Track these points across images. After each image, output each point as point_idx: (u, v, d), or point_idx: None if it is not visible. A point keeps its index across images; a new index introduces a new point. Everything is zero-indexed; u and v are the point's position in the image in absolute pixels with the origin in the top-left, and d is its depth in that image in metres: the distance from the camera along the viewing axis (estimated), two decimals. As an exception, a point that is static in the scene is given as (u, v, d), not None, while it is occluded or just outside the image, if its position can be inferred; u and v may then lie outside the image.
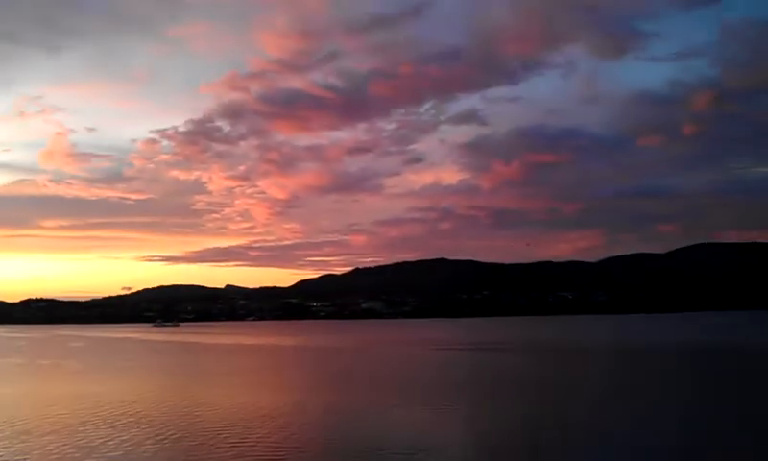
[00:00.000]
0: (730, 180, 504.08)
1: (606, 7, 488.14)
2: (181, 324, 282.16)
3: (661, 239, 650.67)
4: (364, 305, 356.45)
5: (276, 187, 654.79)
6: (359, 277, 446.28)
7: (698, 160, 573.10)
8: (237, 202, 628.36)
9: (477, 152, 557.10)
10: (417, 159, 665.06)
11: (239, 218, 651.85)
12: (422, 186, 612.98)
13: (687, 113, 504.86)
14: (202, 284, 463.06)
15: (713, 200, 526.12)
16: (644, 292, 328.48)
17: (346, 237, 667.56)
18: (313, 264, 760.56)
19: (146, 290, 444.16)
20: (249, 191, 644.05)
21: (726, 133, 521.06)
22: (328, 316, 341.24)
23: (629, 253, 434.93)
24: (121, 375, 57.67)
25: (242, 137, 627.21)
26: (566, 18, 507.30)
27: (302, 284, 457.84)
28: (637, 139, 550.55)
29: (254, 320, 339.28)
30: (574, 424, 28.49)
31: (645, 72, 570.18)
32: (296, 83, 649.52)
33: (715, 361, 62.46)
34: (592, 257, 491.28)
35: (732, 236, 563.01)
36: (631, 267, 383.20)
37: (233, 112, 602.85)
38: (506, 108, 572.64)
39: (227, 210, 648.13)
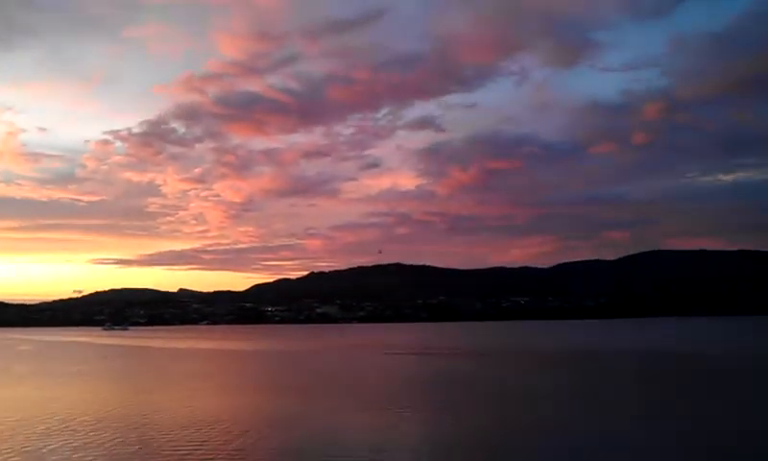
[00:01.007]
0: (679, 188, 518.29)
1: (560, 16, 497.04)
2: (131, 328, 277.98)
3: (612, 246, 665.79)
4: (319, 310, 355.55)
5: (231, 190, 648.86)
6: (315, 281, 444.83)
7: (648, 169, 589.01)
8: (192, 205, 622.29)
9: (434, 158, 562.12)
10: (374, 165, 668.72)
11: (193, 221, 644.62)
12: (379, 191, 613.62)
13: (638, 122, 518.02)
14: (154, 288, 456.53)
15: (663, 208, 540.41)
16: (595, 298, 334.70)
17: (301, 241, 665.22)
18: (268, 268, 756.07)
19: (97, 293, 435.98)
20: (204, 194, 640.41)
21: (676, 142, 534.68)
22: (283, 320, 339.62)
23: (581, 259, 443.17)
24: (70, 379, 56.55)
25: (198, 140, 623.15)
26: (521, 27, 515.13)
27: (257, 288, 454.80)
28: (589, 147, 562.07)
29: (208, 324, 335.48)
30: (528, 426, 28.93)
31: (598, 81, 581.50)
32: (253, 85, 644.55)
33: (664, 365, 64.16)
34: (545, 263, 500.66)
35: (681, 244, 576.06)
36: (582, 273, 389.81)
37: (189, 114, 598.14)
38: (462, 114, 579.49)
39: (181, 213, 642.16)
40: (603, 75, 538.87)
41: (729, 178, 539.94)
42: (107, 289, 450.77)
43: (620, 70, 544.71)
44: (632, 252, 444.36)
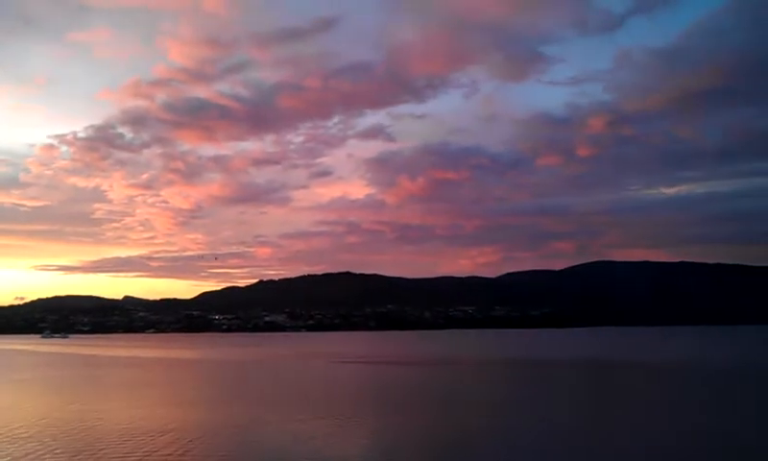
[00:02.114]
0: (623, 200, 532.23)
1: (509, 30, 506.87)
2: (72, 336, 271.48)
3: (558, 256, 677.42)
4: (267, 318, 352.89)
5: (179, 197, 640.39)
6: (263, 289, 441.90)
7: (593, 181, 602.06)
8: (138, 211, 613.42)
9: (384, 167, 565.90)
10: (324, 173, 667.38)
11: (140, 228, 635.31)
12: (329, 200, 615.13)
13: (583, 136, 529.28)
14: (99, 295, 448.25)
15: (607, 219, 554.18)
16: (541, 307, 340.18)
17: (250, 249, 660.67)
18: (216, 276, 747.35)
19: (40, 300, 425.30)
20: (151, 200, 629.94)
21: (620, 155, 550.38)
22: (231, 329, 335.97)
23: (527, 269, 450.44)
24: (9, 389, 55.38)
25: (145, 145, 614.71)
26: (471, 40, 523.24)
27: (205, 296, 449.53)
28: (536, 159, 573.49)
29: (154, 332, 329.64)
30: (471, 433, 29.45)
31: (544, 94, 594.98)
32: (202, 92, 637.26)
33: (605, 374, 66.08)
34: (492, 273, 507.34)
35: (624, 255, 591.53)
36: (528, 283, 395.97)
37: (136, 120, 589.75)
38: (412, 124, 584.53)
39: (127, 219, 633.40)
40: (550, 88, 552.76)
41: (671, 191, 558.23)
42: (50, 296, 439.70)
43: (566, 84, 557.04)
44: (576, 262, 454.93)
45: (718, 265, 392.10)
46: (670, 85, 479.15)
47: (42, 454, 25.23)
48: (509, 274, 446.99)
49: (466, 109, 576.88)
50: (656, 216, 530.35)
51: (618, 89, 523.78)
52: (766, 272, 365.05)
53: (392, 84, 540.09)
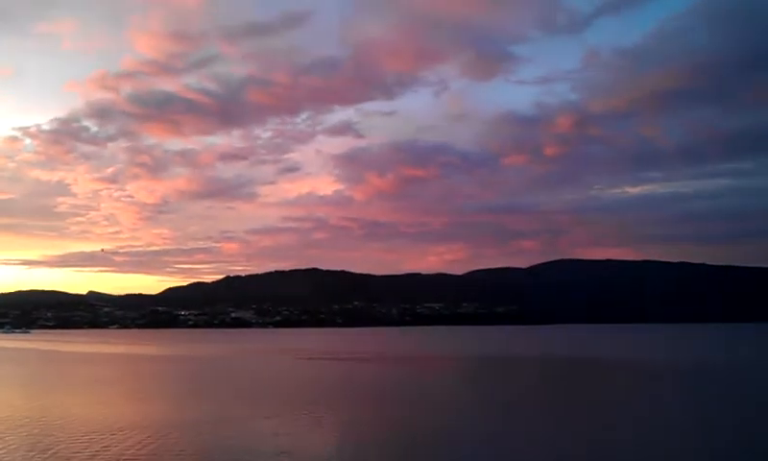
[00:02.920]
0: (588, 199, 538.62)
1: (478, 29, 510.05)
2: (34, 331, 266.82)
3: (524, 254, 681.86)
4: (234, 314, 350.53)
5: (145, 191, 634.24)
6: (230, 285, 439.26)
7: (559, 180, 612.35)
8: (103, 205, 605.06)
9: (352, 164, 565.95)
10: (292, 169, 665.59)
11: (105, 222, 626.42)
12: (297, 196, 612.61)
13: (550, 135, 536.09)
14: (63, 290, 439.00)
15: (573, 218, 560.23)
16: (507, 304, 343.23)
17: (217, 245, 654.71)
18: (182, 271, 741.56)
19: (2, 295, 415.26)
20: (116, 194, 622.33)
21: (586, 154, 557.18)
22: (197, 325, 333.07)
23: (493, 266, 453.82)
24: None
25: (111, 139, 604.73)
26: (441, 38, 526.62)
27: (170, 292, 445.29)
28: (503, 158, 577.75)
29: (118, 328, 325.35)
30: (436, 430, 29.93)
31: (512, 93, 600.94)
32: (169, 85, 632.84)
33: (573, 371, 67.13)
34: (459, 270, 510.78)
35: (589, 253, 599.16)
36: (495, 280, 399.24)
37: (102, 113, 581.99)
38: (381, 121, 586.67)
39: (92, 214, 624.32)
40: (518, 87, 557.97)
41: (635, 190, 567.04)
42: (12, 291, 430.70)
43: (534, 83, 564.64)
44: (542, 260, 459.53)
45: (682, 264, 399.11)
46: (636, 86, 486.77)
47: (1, 454, 24.96)
48: (476, 271, 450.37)
49: (434, 106, 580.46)
50: (620, 215, 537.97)
51: (585, 89, 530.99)
52: (728, 271, 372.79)
53: (361, 80, 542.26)
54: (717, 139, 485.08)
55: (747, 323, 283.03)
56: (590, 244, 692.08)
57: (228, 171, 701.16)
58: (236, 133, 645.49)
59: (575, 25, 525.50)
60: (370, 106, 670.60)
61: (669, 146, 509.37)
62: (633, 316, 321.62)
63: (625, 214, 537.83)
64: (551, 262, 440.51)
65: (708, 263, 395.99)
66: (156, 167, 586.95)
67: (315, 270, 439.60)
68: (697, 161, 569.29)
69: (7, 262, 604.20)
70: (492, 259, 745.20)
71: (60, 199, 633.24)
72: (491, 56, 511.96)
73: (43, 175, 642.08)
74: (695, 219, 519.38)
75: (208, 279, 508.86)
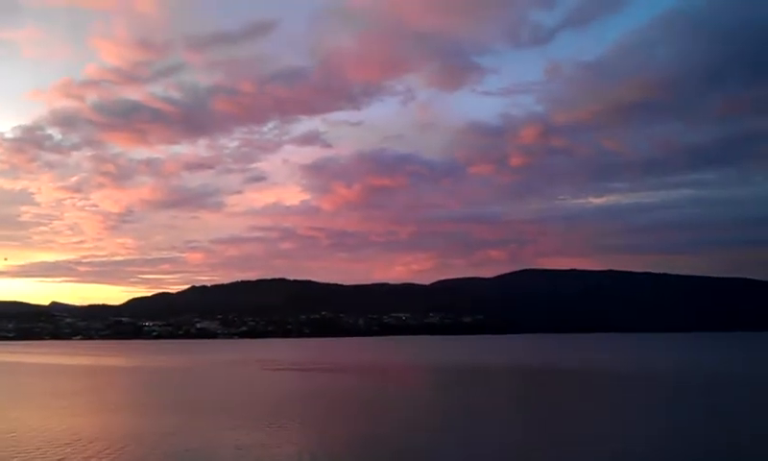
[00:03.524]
0: (553, 209, 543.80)
1: (445, 40, 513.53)
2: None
3: (490, 264, 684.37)
4: (199, 325, 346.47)
5: (109, 201, 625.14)
6: (195, 295, 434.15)
7: (525, 190, 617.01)
8: (67, 214, 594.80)
9: (319, 173, 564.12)
10: (259, 178, 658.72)
11: (68, 231, 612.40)
12: (264, 206, 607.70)
13: (516, 145, 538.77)
14: (25, 301, 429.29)
15: (538, 228, 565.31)
16: (474, 314, 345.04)
17: (182, 255, 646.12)
18: (146, 281, 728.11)
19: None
20: (80, 204, 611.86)
21: (550, 165, 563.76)
22: (161, 336, 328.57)
23: (460, 276, 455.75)
24: None
25: (75, 147, 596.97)
26: (407, 48, 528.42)
27: (135, 302, 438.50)
28: (469, 167, 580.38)
29: (81, 339, 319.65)
30: (401, 440, 30.25)
31: (478, 104, 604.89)
32: (134, 94, 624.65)
33: (535, 380, 67.97)
34: (426, 280, 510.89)
35: (553, 263, 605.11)
36: (461, 290, 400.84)
37: (66, 121, 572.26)
38: (348, 131, 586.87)
39: (55, 223, 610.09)
40: (483, 98, 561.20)
41: (599, 201, 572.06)
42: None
43: (500, 94, 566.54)
44: (508, 270, 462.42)
45: (646, 274, 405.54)
46: (598, 98, 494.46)
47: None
48: (442, 281, 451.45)
49: (401, 116, 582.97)
50: (585, 225, 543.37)
51: (549, 101, 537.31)
52: (691, 280, 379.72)
53: (328, 90, 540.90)
54: (677, 152, 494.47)
55: (710, 332, 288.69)
56: (555, 254, 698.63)
57: (194, 180, 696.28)
58: (202, 142, 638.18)
59: (539, 38, 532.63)
60: (337, 115, 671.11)
61: (632, 157, 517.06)
62: (597, 325, 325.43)
63: (589, 224, 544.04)
64: (517, 272, 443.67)
65: (670, 273, 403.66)
66: (120, 176, 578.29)
67: (282, 280, 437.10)
68: (660, 173, 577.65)
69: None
70: (459, 269, 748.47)
71: (24, 208, 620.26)
72: (457, 66, 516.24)
73: (6, 184, 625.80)
74: (658, 229, 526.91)
75: (173, 289, 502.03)
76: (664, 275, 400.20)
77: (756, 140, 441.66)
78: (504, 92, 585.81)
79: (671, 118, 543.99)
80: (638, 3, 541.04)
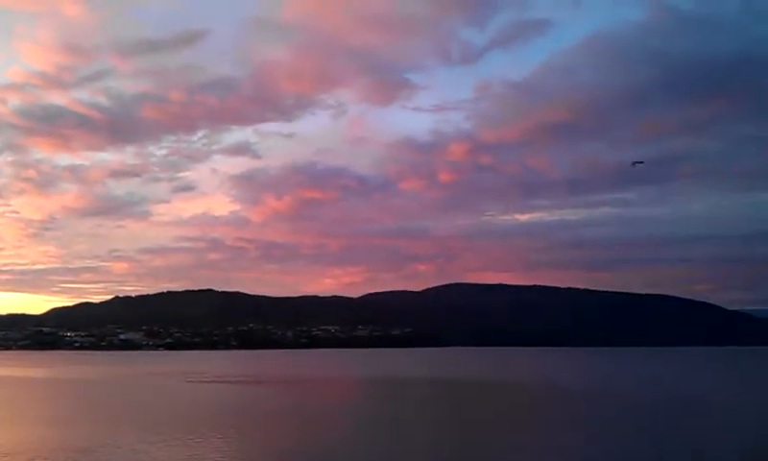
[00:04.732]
0: (481, 225, 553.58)
1: (376, 56, 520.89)
2: None
3: (418, 278, 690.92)
4: (123, 336, 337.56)
5: (31, 207, 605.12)
6: (119, 306, 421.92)
7: (453, 206, 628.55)
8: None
9: (249, 184, 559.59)
10: (187, 188, 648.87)
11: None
12: (192, 215, 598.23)
13: (445, 161, 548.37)
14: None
15: (466, 243, 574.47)
16: (402, 327, 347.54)
17: (106, 264, 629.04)
18: (68, 291, 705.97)
19: None
20: (0, 210, 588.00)
21: (478, 181, 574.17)
22: (83, 347, 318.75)
23: (389, 289, 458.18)
24: None
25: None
26: (340, 62, 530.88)
27: (56, 312, 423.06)
28: (400, 182, 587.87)
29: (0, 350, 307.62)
30: (324, 452, 30.96)
31: (409, 120, 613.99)
32: (59, 99, 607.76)
33: (456, 391, 69.59)
34: (355, 293, 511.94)
35: (481, 277, 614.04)
36: (390, 303, 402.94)
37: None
38: (279, 143, 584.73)
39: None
40: (414, 114, 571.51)
41: (524, 217, 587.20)
42: None
43: (430, 111, 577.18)
44: (436, 283, 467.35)
45: (569, 289, 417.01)
46: (525, 117, 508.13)
47: None
48: (371, 294, 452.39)
49: (333, 130, 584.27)
50: (511, 241, 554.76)
51: (478, 119, 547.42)
52: (613, 296, 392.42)
53: (259, 101, 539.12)
54: (600, 171, 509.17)
55: (632, 347, 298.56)
56: (482, 268, 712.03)
57: (120, 188, 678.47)
58: (129, 149, 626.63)
59: (469, 57, 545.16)
60: (268, 127, 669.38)
61: (557, 176, 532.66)
62: (522, 339, 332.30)
63: (515, 240, 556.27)
64: (444, 286, 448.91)
65: (591, 289, 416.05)
66: (43, 183, 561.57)
67: (209, 291, 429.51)
68: (583, 191, 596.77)
69: None
70: (388, 282, 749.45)
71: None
72: (389, 82, 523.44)
73: None
74: (581, 246, 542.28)
75: (96, 299, 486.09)
76: (586, 290, 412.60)
77: (676, 161, 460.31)
78: (435, 109, 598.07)
79: (594, 138, 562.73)
80: (565, 26, 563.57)
